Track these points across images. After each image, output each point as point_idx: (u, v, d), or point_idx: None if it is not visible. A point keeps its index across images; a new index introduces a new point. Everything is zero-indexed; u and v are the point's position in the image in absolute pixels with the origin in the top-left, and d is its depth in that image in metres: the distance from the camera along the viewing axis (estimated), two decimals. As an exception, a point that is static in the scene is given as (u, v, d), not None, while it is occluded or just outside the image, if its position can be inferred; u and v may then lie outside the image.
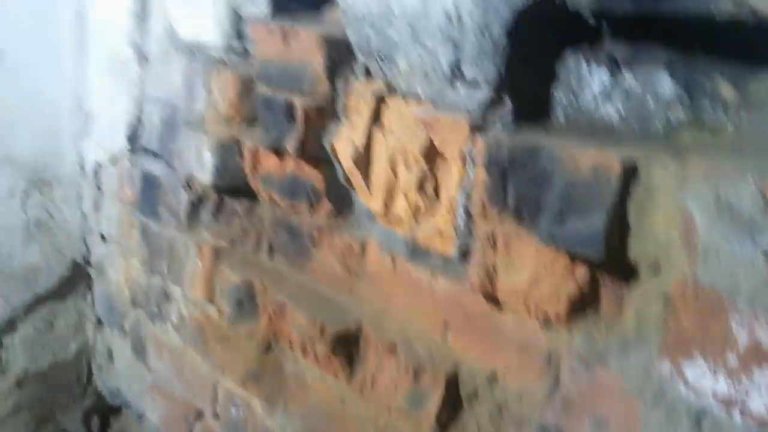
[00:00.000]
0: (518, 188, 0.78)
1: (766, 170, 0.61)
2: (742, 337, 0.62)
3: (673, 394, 0.66)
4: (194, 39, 1.30)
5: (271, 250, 1.26)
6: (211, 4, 1.23)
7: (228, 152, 1.23)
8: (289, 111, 1.10)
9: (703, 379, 0.64)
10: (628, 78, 0.82)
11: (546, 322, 0.79)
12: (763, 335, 0.60)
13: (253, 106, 1.20)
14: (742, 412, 0.61)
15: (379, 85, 1.02)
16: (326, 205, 1.14)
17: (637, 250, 0.70)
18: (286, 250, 1.22)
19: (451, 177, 0.88)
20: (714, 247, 0.62)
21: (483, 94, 0.85)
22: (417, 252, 0.98)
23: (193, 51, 1.30)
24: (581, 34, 0.86)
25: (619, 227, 0.70)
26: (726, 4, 0.68)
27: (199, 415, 1.37)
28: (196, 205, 1.32)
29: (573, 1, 0.81)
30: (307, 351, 1.09)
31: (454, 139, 0.86)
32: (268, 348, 1.18)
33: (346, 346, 1.05)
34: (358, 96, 1.05)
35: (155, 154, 1.42)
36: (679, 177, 0.65)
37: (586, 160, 0.71)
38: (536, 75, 0.87)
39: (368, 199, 1.04)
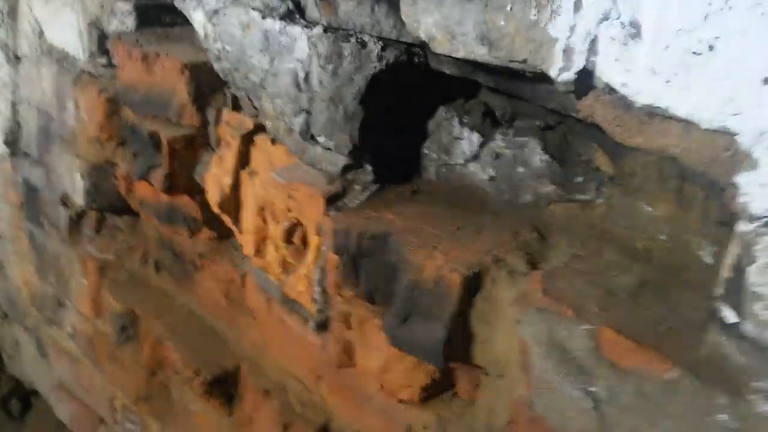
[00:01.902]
0: (369, 277, 0.69)
1: (608, 307, 0.54)
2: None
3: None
4: (62, 47, 1.12)
5: (157, 267, 1.15)
6: (73, 17, 1.05)
7: (100, 175, 1.09)
8: (155, 142, 0.97)
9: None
10: (499, 141, 0.72)
11: (401, 401, 0.73)
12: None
13: (120, 127, 1.06)
14: None
15: (246, 121, 0.89)
16: (206, 232, 1.04)
17: (482, 358, 0.63)
18: (172, 269, 1.12)
19: (309, 246, 0.79)
20: (546, 380, 0.55)
21: (340, 159, 0.74)
22: (288, 301, 0.89)
23: (61, 60, 1.13)
24: (456, 91, 0.75)
25: (461, 336, 0.62)
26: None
27: (102, 420, 1.30)
28: (75, 221, 1.19)
29: (436, 63, 0.70)
30: (188, 384, 1.01)
31: (311, 211, 0.76)
32: (153, 373, 1.10)
33: (224, 387, 0.97)
34: (227, 128, 0.92)
35: (35, 161, 1.26)
36: (520, 301, 0.57)
37: (430, 268, 0.62)
38: (402, 136, 0.76)
39: (240, 239, 0.94)
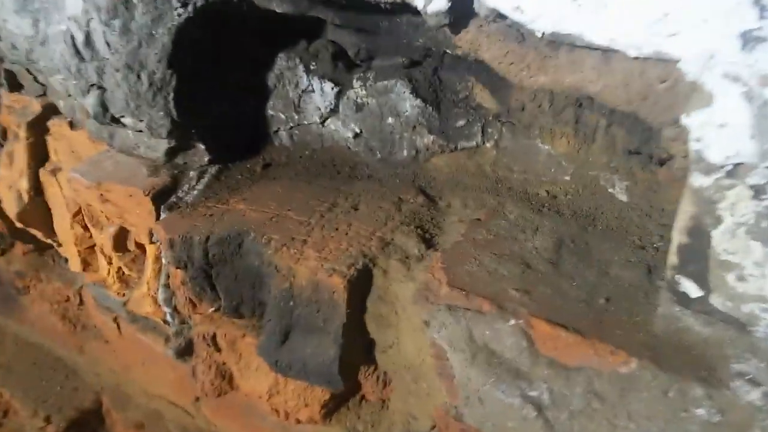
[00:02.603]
0: (228, 289, 0.54)
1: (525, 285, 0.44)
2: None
3: None
4: None
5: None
6: None
7: None
8: None
9: None
10: (358, 89, 0.57)
11: (300, 422, 0.61)
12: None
13: None
14: None
15: (33, 104, 0.68)
16: (20, 247, 0.83)
17: (390, 364, 0.51)
18: (-9, 296, 0.90)
19: (147, 257, 0.62)
20: (473, 388, 0.45)
21: (161, 142, 0.57)
22: (138, 318, 0.73)
23: None
24: (296, 33, 0.59)
25: (359, 345, 0.50)
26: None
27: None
28: None
29: (264, 2, 0.53)
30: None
31: (138, 213, 0.59)
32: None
33: (87, 427, 0.81)
34: (11, 116, 0.71)
35: None
36: (422, 297, 0.46)
37: (303, 272, 0.48)
38: (238, 99, 0.60)
39: (62, 251, 0.75)
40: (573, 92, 0.38)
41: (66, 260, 0.78)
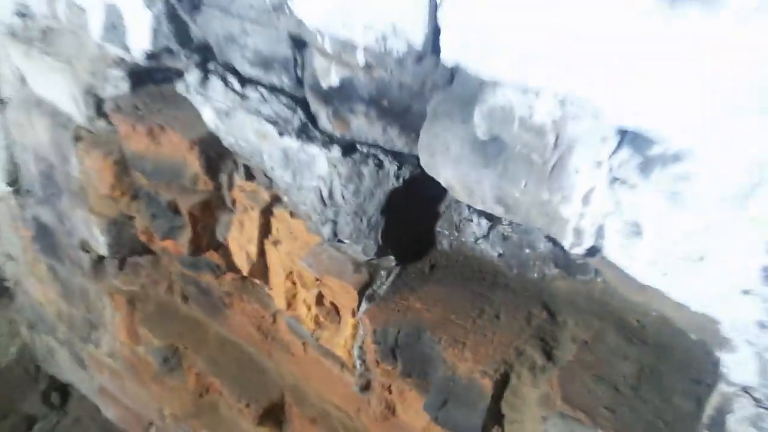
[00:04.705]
0: (405, 362, 0.81)
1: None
2: None
3: None
4: (52, 102, 1.15)
5: (184, 297, 1.26)
6: (64, 83, 1.07)
7: (119, 228, 1.17)
8: (175, 208, 1.04)
9: None
10: (506, 226, 0.81)
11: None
12: None
13: (132, 183, 1.12)
14: None
15: (263, 193, 0.97)
16: (230, 275, 1.14)
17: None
18: (199, 301, 1.23)
19: (346, 323, 0.90)
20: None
21: (364, 257, 0.84)
22: (323, 348, 1.02)
23: (54, 114, 1.16)
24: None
25: (494, 418, 0.76)
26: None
27: (151, 423, 1.46)
28: (98, 262, 1.27)
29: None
30: (240, 414, 1.16)
31: (345, 297, 0.86)
32: (200, 395, 1.25)
33: (274, 415, 1.12)
34: (241, 193, 1.00)
35: (41, 200, 1.32)
36: (543, 402, 0.71)
37: (463, 369, 0.75)
38: (417, 222, 0.85)
39: (270, 292, 1.05)
40: (658, 312, 0.61)
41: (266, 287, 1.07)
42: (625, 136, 0.54)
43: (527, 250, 0.81)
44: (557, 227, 0.61)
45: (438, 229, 0.87)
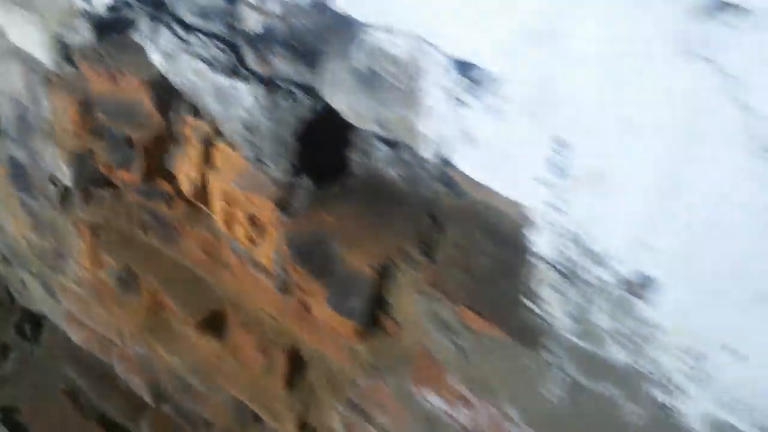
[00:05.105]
0: (313, 263, 0.99)
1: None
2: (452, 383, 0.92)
3: (420, 404, 0.98)
4: (27, 51, 1.30)
5: (143, 227, 1.42)
6: (36, 32, 1.22)
7: (83, 161, 1.33)
8: (130, 142, 1.21)
9: (434, 399, 0.96)
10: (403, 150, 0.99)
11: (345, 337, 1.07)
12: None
13: (94, 121, 1.28)
14: (455, 420, 0.94)
15: (206, 127, 1.13)
16: (181, 204, 1.30)
17: (396, 316, 0.96)
18: (156, 230, 1.39)
19: (268, 234, 1.07)
20: (433, 337, 0.89)
21: (284, 176, 1.01)
22: (256, 262, 1.19)
23: (28, 61, 1.31)
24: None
25: (379, 304, 0.95)
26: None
27: (113, 342, 1.63)
28: (65, 194, 1.43)
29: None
30: (185, 323, 1.34)
31: (267, 212, 1.04)
32: (155, 312, 1.42)
33: (214, 324, 1.30)
34: (189, 129, 1.16)
35: (16, 141, 1.47)
36: (415, 287, 0.89)
37: (355, 261, 0.93)
38: (330, 149, 1.03)
39: (213, 217, 1.22)
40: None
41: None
42: (458, 65, 0.72)
43: (421, 172, 0.99)
44: (416, 140, 0.79)
45: (348, 154, 1.04)
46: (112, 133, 1.21)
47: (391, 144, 0.99)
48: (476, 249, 0.85)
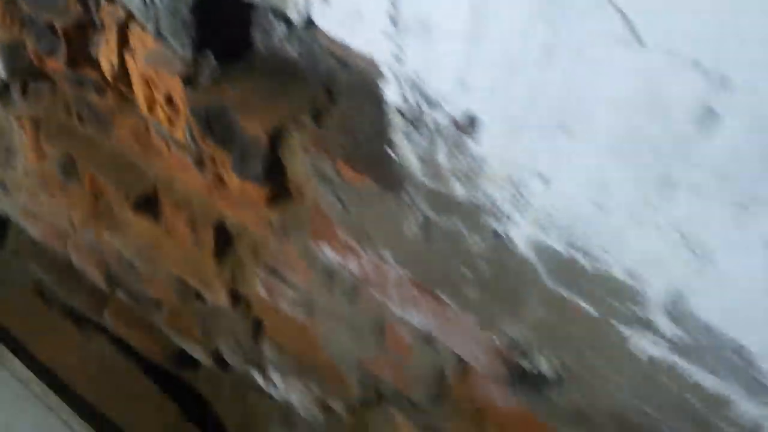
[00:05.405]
0: (218, 133, 1.07)
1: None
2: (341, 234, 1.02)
3: (319, 259, 1.09)
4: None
5: (80, 118, 1.50)
6: None
7: (15, 52, 1.38)
8: (53, 30, 1.26)
9: (329, 253, 1.06)
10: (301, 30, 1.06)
11: (258, 204, 1.16)
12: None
13: (20, 11, 1.33)
14: (347, 269, 1.05)
15: (120, 11, 1.19)
16: (111, 93, 1.37)
17: (293, 179, 1.05)
18: (92, 120, 1.46)
19: (182, 113, 1.15)
20: (320, 191, 0.98)
21: (187, 52, 1.07)
22: (176, 141, 1.27)
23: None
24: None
25: (277, 166, 1.03)
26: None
27: (67, 233, 1.74)
28: (4, 90, 1.50)
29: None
30: (122, 204, 1.43)
31: (176, 88, 1.11)
32: (96, 198, 1.51)
33: (149, 205, 1.39)
34: (106, 15, 1.22)
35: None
36: (303, 148, 0.97)
37: (251, 127, 1.01)
38: (233, 26, 1.09)
39: (137, 101, 1.29)
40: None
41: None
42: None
43: (317, 50, 1.05)
44: (284, 4, 0.85)
45: (252, 33, 1.10)
46: (36, 22, 1.27)
47: (288, 22, 1.05)
48: (352, 109, 0.93)
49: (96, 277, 1.77)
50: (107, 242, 1.59)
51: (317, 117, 1.01)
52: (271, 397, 1.58)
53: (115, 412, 1.94)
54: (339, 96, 1.03)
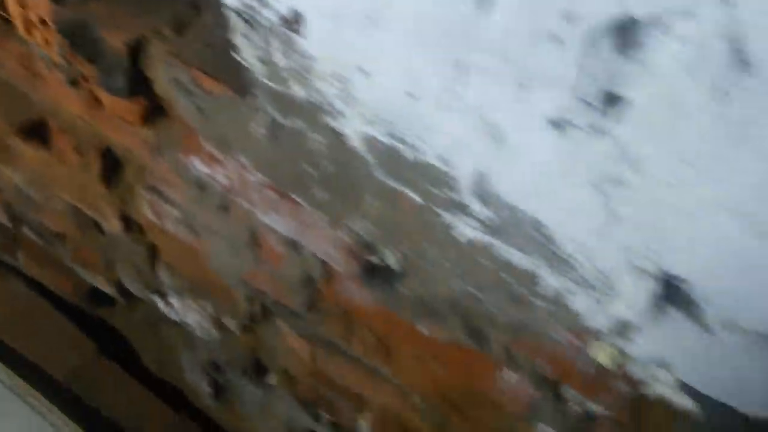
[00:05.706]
0: (85, 48, 1.09)
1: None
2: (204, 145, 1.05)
3: (191, 172, 1.12)
4: None
5: (-34, 48, 1.48)
6: None
7: None
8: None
9: (198, 165, 1.09)
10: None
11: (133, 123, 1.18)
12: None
13: None
14: (216, 180, 1.09)
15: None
16: (-8, 19, 1.36)
17: (159, 92, 1.07)
18: (-23, 49, 1.45)
19: (52, 30, 1.15)
20: (182, 103, 1.01)
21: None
22: (54, 63, 1.27)
23: None
24: None
25: (141, 80, 1.06)
26: None
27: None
28: None
29: None
30: (11, 135, 1.43)
31: (43, 5, 1.11)
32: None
33: (38, 133, 1.40)
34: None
35: None
36: (164, 59, 1.00)
37: (112, 39, 1.02)
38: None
39: (17, 25, 1.28)
40: None
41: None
42: None
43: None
44: None
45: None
46: None
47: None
48: (211, 19, 0.96)
49: (0, 215, 1.76)
50: (5, 177, 1.58)
51: (180, 29, 1.03)
52: (177, 323, 1.62)
53: (30, 351, 1.96)
54: (204, 9, 1.06)
